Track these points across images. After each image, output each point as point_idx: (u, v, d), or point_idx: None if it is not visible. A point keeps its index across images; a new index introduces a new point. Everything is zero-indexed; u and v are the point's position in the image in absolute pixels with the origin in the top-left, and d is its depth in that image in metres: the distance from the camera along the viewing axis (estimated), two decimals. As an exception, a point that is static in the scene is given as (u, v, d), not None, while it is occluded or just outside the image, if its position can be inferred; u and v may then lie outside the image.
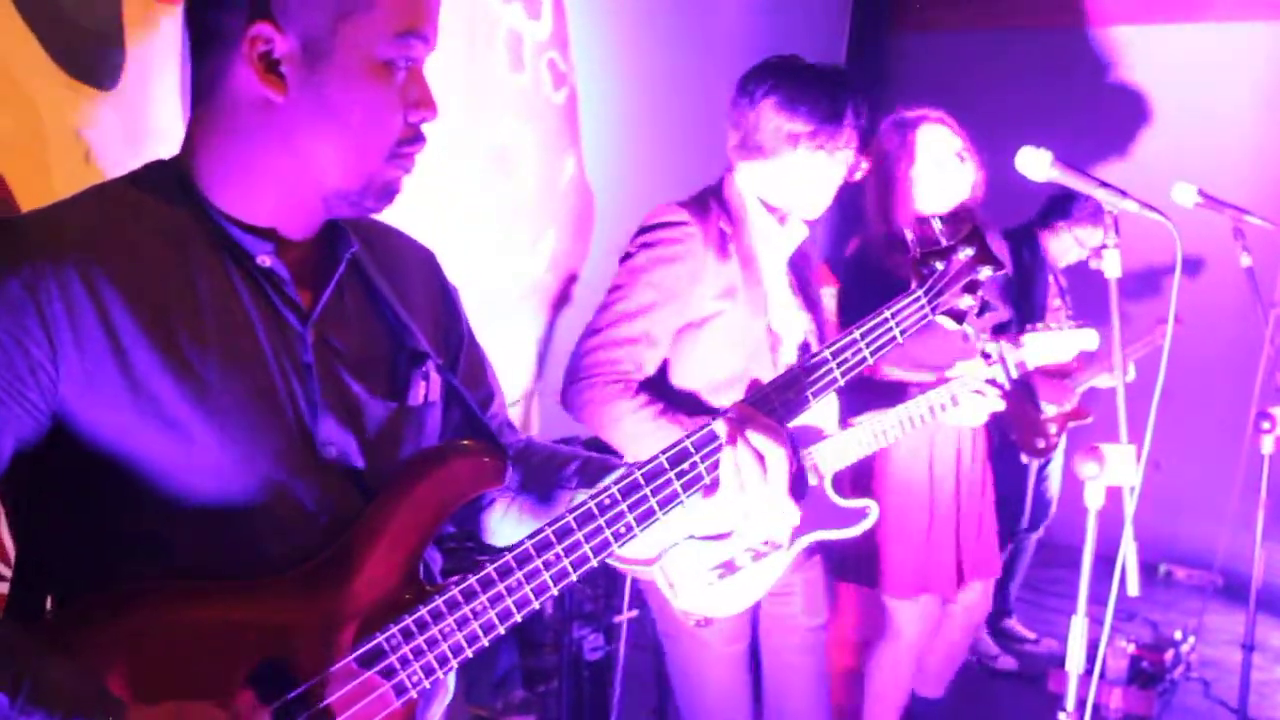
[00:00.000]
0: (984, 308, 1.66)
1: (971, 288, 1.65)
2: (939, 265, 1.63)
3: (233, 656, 1.21)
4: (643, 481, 1.38)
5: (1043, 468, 4.85)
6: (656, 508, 1.38)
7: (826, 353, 1.51)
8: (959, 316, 1.66)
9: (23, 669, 1.08)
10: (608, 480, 1.42)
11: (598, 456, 1.57)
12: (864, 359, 1.52)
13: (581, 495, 1.43)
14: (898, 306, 1.58)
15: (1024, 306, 4.46)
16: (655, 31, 5.18)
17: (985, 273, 1.65)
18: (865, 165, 2.54)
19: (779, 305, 2.55)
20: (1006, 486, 4.74)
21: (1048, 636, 5.11)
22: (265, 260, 1.28)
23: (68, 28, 2.90)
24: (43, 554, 1.26)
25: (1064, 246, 4.60)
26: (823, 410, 2.57)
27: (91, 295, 1.16)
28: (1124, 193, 2.01)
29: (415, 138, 1.29)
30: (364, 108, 1.24)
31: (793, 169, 2.45)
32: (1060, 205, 4.54)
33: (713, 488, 1.40)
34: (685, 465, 1.39)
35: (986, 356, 2.61)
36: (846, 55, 6.75)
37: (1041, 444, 4.68)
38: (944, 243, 1.65)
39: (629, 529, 1.37)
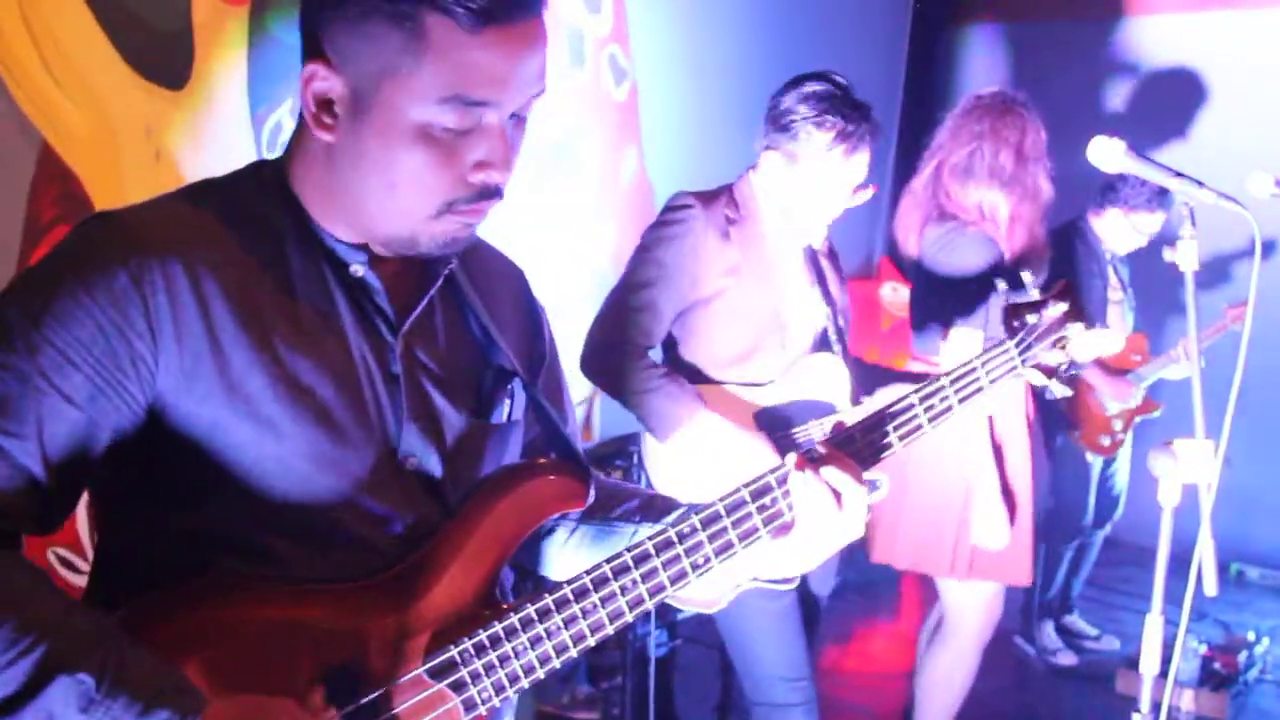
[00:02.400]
0: (1071, 365, 1.67)
1: (1062, 343, 1.65)
2: (1030, 319, 1.64)
3: (306, 658, 1.21)
4: (724, 513, 1.36)
5: (1108, 464, 4.77)
6: (736, 540, 1.36)
7: (914, 397, 1.50)
8: (1049, 372, 1.66)
9: (109, 654, 1.09)
10: (674, 514, 1.42)
11: (663, 495, 1.55)
12: (950, 406, 1.52)
13: (645, 530, 1.41)
14: (988, 356, 1.59)
15: (1079, 301, 4.36)
16: (716, 25, 5.16)
17: (1075, 330, 1.65)
18: (872, 189, 2.66)
19: (791, 292, 2.67)
20: (1071, 485, 4.69)
21: (1109, 634, 5.03)
22: (358, 270, 1.28)
23: (138, 28, 2.94)
24: (123, 546, 1.27)
25: (1118, 233, 4.45)
26: (835, 386, 2.66)
27: (195, 291, 1.18)
28: (1200, 183, 1.96)
29: (479, 196, 1.23)
30: (400, 167, 1.19)
31: (809, 174, 2.57)
32: (1111, 190, 4.40)
33: (786, 529, 1.38)
34: (766, 500, 1.37)
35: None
36: (909, 46, 6.69)
37: (1107, 441, 4.61)
38: (1036, 295, 1.66)
39: (707, 560, 1.35)
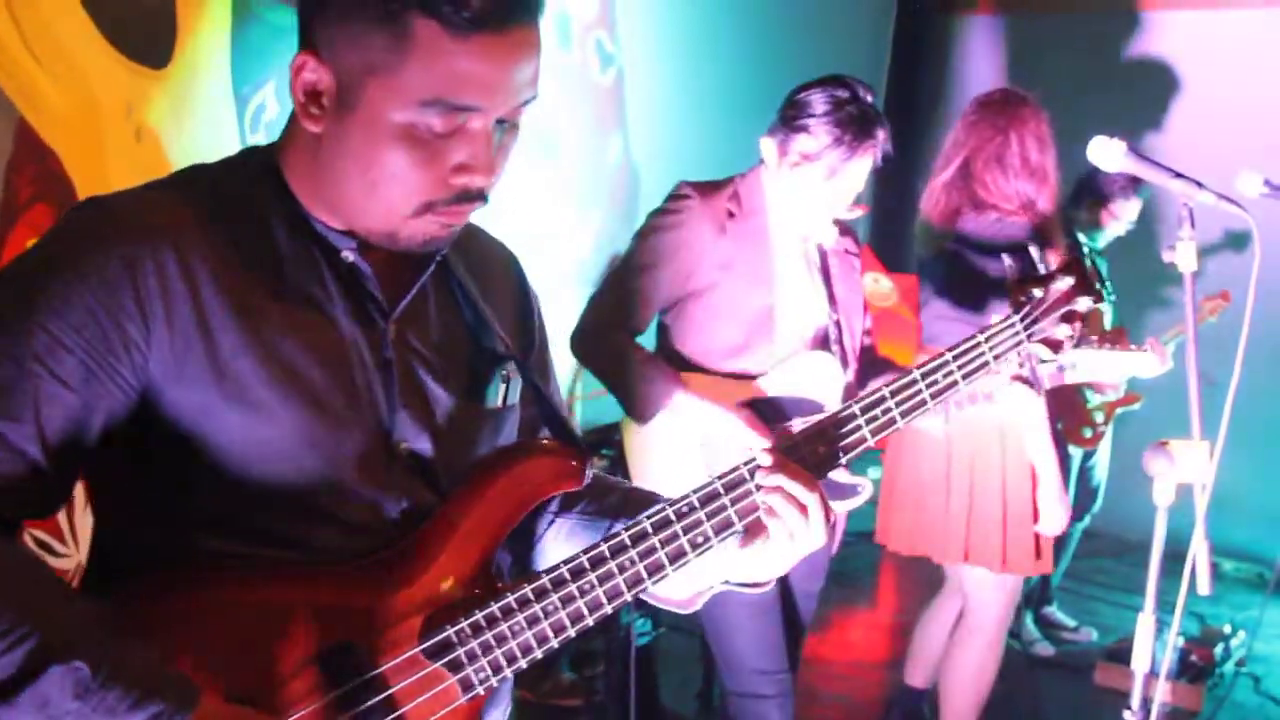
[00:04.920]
0: (1081, 340, 1.66)
1: (1069, 318, 1.64)
2: (1037, 293, 1.64)
3: (300, 640, 1.21)
4: (698, 504, 1.38)
5: (1088, 456, 4.78)
6: (735, 518, 1.38)
7: (917, 373, 1.50)
8: (1056, 346, 1.65)
9: (106, 644, 1.09)
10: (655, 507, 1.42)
11: (640, 490, 1.57)
12: (955, 381, 1.53)
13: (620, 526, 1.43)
14: (992, 330, 1.58)
15: (1086, 275, 4.35)
16: (701, 12, 5.14)
17: (1084, 304, 1.64)
18: (863, 209, 2.67)
19: (788, 290, 2.65)
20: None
21: (1087, 626, 5.05)
22: (349, 256, 1.28)
23: (121, 6, 2.89)
24: (119, 530, 1.27)
25: (1098, 225, 4.48)
26: (826, 385, 2.63)
27: (186, 277, 1.18)
28: (1200, 184, 1.95)
29: (459, 198, 1.23)
30: (381, 165, 1.19)
31: (816, 183, 2.55)
32: (1089, 184, 4.42)
33: (756, 532, 1.40)
34: (739, 492, 1.39)
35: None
36: (894, 36, 6.68)
37: (1089, 434, 4.62)
38: (1042, 270, 1.66)
39: (706, 538, 1.37)
